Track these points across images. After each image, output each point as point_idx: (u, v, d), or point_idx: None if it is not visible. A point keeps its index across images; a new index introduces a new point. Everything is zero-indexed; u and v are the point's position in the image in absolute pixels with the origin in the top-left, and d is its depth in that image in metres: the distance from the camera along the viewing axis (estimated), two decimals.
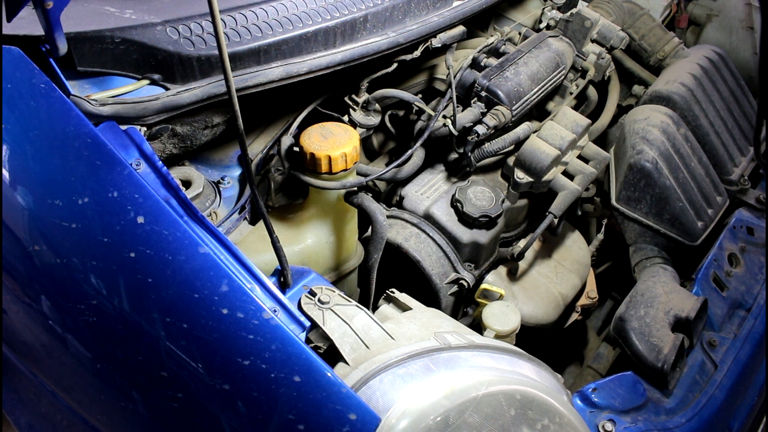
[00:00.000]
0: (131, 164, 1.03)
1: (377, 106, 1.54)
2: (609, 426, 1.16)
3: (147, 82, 1.21)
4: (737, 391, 1.35)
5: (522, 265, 1.62)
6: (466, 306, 1.57)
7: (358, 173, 1.43)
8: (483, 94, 1.53)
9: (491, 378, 0.99)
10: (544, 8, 1.89)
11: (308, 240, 1.36)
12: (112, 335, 0.99)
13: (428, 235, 1.47)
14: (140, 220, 0.97)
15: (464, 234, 1.47)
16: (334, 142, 1.28)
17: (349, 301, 1.07)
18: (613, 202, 1.70)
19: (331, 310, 1.04)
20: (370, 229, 1.38)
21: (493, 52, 1.70)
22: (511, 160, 1.57)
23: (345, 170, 1.30)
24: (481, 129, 1.46)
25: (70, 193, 1.00)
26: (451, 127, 1.47)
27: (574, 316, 1.72)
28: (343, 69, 1.42)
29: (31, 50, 1.09)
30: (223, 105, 1.31)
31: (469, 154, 1.52)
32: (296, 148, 1.31)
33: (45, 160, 1.02)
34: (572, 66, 1.76)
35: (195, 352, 0.94)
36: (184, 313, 0.95)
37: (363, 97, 1.53)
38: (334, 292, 1.07)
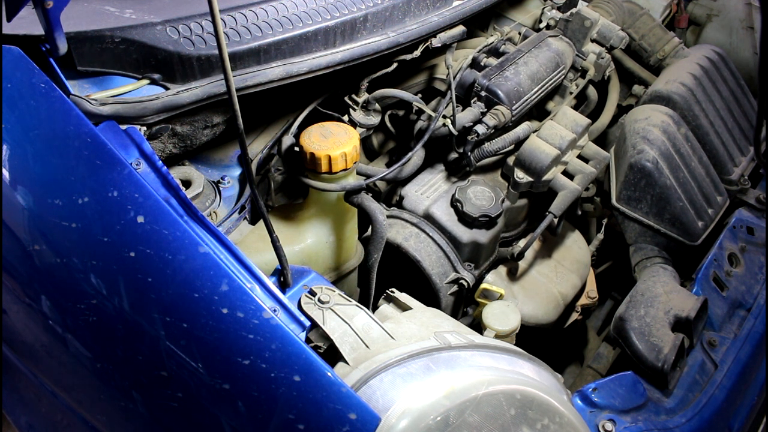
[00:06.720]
0: (131, 164, 1.03)
1: (377, 106, 1.54)
2: (609, 426, 1.16)
3: (147, 81, 1.21)
4: (737, 391, 1.34)
5: (522, 265, 1.62)
6: (466, 306, 1.57)
7: (358, 173, 1.43)
8: (483, 93, 1.53)
9: (491, 378, 0.99)
10: (544, 8, 1.89)
11: (308, 240, 1.36)
12: (112, 335, 0.99)
13: (428, 234, 1.47)
14: (140, 219, 0.97)
15: (464, 234, 1.47)
16: (334, 142, 1.28)
17: (349, 301, 1.07)
18: (614, 201, 1.70)
19: (331, 309, 1.04)
20: (370, 229, 1.38)
21: (493, 51, 1.70)
22: (511, 160, 1.57)
23: (345, 170, 1.30)
24: (481, 129, 1.46)
25: (70, 193, 1.00)
26: (450, 126, 1.47)
27: (574, 316, 1.72)
28: (343, 69, 1.42)
29: (31, 50, 1.09)
30: (223, 105, 1.31)
31: (469, 153, 1.52)
32: (296, 148, 1.31)
33: (45, 160, 1.02)
34: (572, 66, 1.76)
35: (195, 351, 0.94)
36: (184, 312, 0.95)
37: (363, 96, 1.53)
38: (334, 291, 1.07)
